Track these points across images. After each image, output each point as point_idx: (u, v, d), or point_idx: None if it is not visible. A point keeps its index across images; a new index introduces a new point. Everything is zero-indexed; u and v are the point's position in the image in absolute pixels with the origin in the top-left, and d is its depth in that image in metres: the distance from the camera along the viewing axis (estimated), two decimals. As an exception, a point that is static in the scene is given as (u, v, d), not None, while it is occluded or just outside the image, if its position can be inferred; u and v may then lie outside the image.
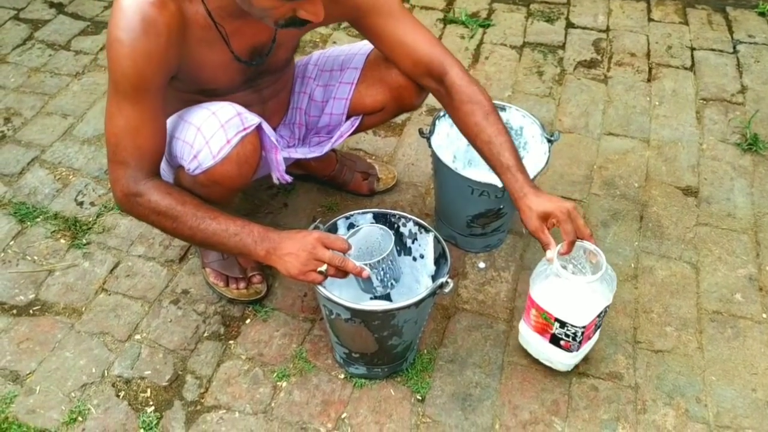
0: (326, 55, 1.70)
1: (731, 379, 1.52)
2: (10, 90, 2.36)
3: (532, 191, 1.40)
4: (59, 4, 2.81)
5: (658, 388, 1.51)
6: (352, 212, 1.51)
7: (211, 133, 1.34)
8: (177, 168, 1.46)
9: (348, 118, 1.66)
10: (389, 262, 1.38)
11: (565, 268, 1.38)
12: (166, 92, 1.33)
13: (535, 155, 1.71)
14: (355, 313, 1.34)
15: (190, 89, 1.42)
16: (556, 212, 1.36)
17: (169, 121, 1.42)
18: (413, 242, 1.52)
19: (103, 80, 2.39)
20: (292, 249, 1.29)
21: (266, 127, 1.40)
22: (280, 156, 1.43)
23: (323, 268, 1.29)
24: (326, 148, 1.62)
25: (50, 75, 2.42)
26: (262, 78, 1.53)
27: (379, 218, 1.52)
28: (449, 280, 1.33)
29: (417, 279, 1.54)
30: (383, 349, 1.44)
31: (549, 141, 1.67)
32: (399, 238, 1.52)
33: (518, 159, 1.43)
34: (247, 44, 1.41)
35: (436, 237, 1.46)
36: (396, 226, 1.52)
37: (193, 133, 1.36)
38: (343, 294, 1.44)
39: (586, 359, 1.55)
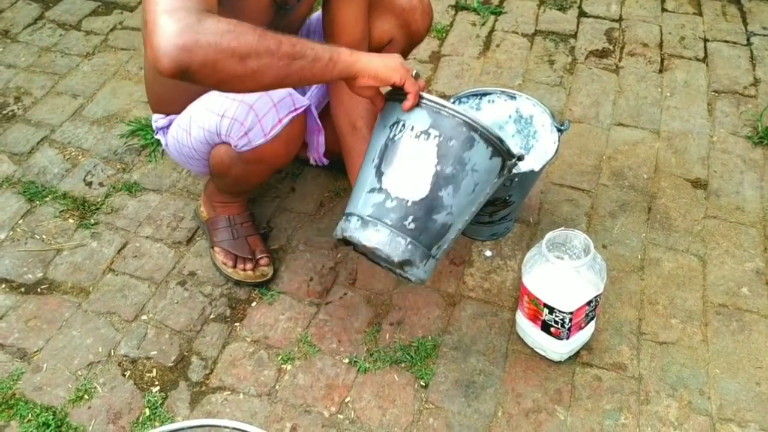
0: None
1: (735, 372, 1.52)
2: (21, 69, 2.36)
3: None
4: (70, -17, 2.80)
5: (662, 380, 1.51)
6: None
7: (263, 111, 1.37)
8: (216, 146, 1.49)
9: None
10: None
11: (561, 258, 1.40)
12: None
13: (544, 144, 1.70)
14: (438, 120, 1.25)
15: None
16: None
17: (214, 99, 1.45)
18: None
19: (114, 61, 2.39)
20: (380, 57, 1.26)
21: (313, 109, 1.46)
22: (322, 138, 1.50)
23: (415, 72, 1.27)
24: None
25: (61, 55, 2.42)
26: None
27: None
28: (521, 156, 1.30)
29: None
30: (429, 201, 1.27)
31: (559, 130, 1.66)
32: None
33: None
34: None
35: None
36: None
37: (245, 111, 1.38)
38: None
39: (589, 349, 1.55)
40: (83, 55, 2.43)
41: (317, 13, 1.72)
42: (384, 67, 1.24)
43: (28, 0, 2.71)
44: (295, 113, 1.40)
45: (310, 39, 1.69)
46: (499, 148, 1.29)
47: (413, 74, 1.27)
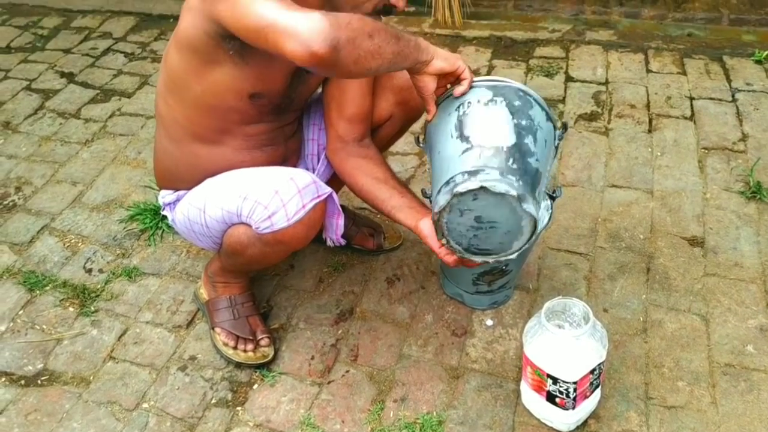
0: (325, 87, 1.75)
1: (748, 435, 1.49)
2: (22, 159, 2.41)
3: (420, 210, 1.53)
4: (70, 73, 2.89)
5: (673, 446, 1.48)
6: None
7: (288, 197, 1.42)
8: (234, 225, 1.52)
9: None
10: None
11: (561, 327, 1.39)
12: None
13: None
14: (498, 90, 1.39)
15: (243, 87, 1.45)
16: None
17: (237, 180, 1.50)
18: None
19: (112, 147, 2.44)
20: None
21: (335, 195, 1.52)
22: (341, 221, 1.57)
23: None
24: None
25: (60, 143, 2.48)
26: (289, 112, 1.62)
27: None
28: (565, 123, 1.47)
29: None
30: (519, 146, 1.33)
31: (551, 197, 1.68)
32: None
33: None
34: None
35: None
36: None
37: (269, 195, 1.42)
38: None
39: (597, 417, 1.53)
40: (82, 143, 2.48)
41: (319, 89, 1.77)
42: (450, 55, 1.37)
43: (29, 91, 2.78)
44: (318, 199, 1.45)
45: (311, 120, 1.75)
46: (549, 114, 1.43)
47: None
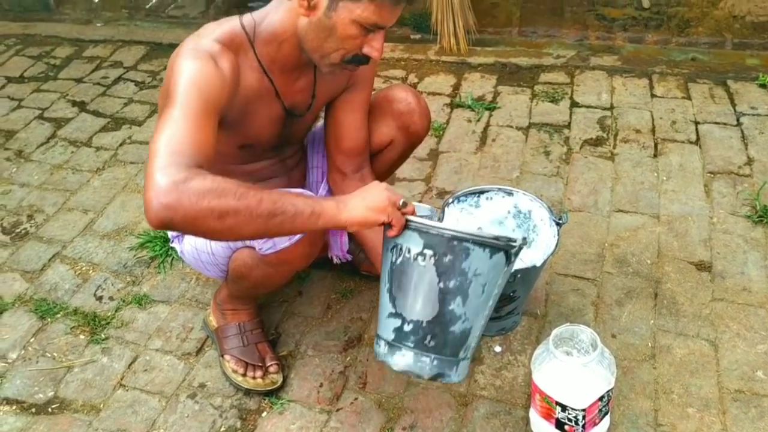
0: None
1: (759, 462, 1.49)
2: (34, 187, 2.44)
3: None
4: (81, 102, 2.93)
5: (684, 474, 1.47)
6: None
7: None
8: (238, 250, 1.53)
9: None
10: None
11: (569, 354, 1.40)
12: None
13: (545, 238, 1.73)
14: (429, 240, 1.28)
15: (229, 143, 1.48)
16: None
17: None
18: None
19: (123, 174, 2.47)
20: (363, 194, 1.29)
21: None
22: (345, 237, 1.56)
23: (402, 201, 1.29)
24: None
25: (72, 171, 2.51)
26: (289, 146, 1.63)
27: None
28: (524, 238, 1.34)
29: None
30: (441, 317, 1.30)
31: (557, 224, 1.69)
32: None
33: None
34: (293, 98, 1.52)
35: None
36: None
37: None
38: None
39: (607, 445, 1.52)
40: (94, 171, 2.51)
41: (321, 123, 1.80)
42: (369, 210, 1.26)
43: (41, 120, 2.83)
44: None
45: (315, 148, 1.77)
46: (496, 246, 1.30)
47: (400, 203, 1.29)
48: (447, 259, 1.28)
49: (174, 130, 1.20)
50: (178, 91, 1.26)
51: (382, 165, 1.78)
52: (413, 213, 1.32)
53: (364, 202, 1.27)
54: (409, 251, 1.30)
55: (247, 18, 1.42)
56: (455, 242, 1.27)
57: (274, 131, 1.55)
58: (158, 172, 1.14)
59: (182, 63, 1.30)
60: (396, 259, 1.33)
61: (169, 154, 1.16)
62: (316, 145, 1.80)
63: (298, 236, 1.43)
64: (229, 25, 1.40)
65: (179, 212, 1.12)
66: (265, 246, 1.45)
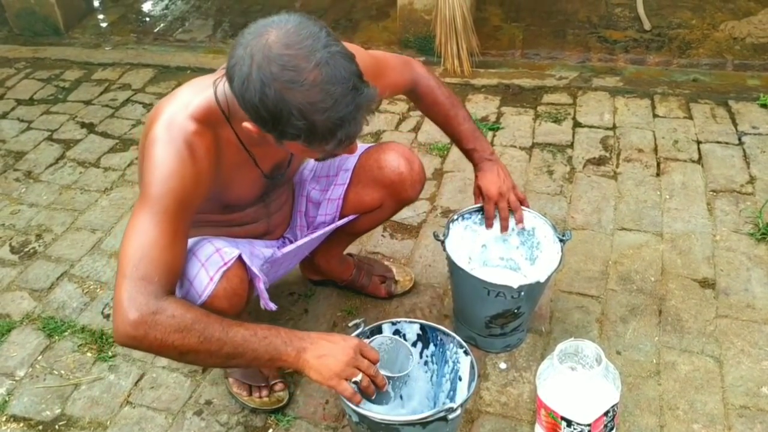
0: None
1: (765, 479, 1.48)
2: (42, 207, 2.47)
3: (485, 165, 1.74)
4: (90, 124, 2.97)
5: (690, 490, 1.47)
6: (399, 319, 1.57)
7: (193, 273, 1.36)
8: None
9: (346, 216, 1.74)
10: (405, 380, 1.42)
11: (574, 369, 1.40)
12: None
13: (548, 254, 1.74)
14: (363, 419, 1.35)
15: (212, 208, 1.49)
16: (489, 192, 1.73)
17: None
18: (454, 364, 1.52)
19: (131, 194, 2.50)
20: (330, 351, 1.28)
21: (246, 258, 1.40)
22: (261, 285, 1.43)
23: (358, 377, 1.29)
24: (317, 234, 1.68)
25: (80, 192, 2.54)
26: (274, 191, 1.62)
27: (426, 331, 1.55)
28: (458, 408, 1.32)
29: (453, 399, 1.52)
30: None
31: (561, 241, 1.71)
32: (442, 353, 1.55)
33: (476, 138, 1.75)
34: (271, 162, 1.52)
35: (472, 363, 1.46)
36: (440, 341, 1.54)
37: (186, 273, 1.37)
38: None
39: (613, 461, 1.52)
40: (101, 191, 2.54)
41: (309, 164, 1.80)
42: (329, 371, 1.27)
43: (50, 141, 2.87)
44: (224, 268, 1.36)
45: (307, 187, 1.76)
46: (432, 421, 1.33)
47: (358, 378, 1.30)
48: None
49: (145, 245, 1.24)
50: (152, 192, 1.26)
51: (370, 222, 1.80)
52: (380, 380, 1.33)
53: (324, 360, 1.28)
54: (350, 417, 1.39)
55: (221, 91, 1.32)
56: (387, 425, 1.35)
57: (255, 193, 1.55)
58: (127, 300, 1.21)
59: (157, 151, 1.28)
60: (348, 414, 1.41)
61: (139, 279, 1.21)
62: (302, 189, 1.78)
63: (208, 293, 1.35)
64: (205, 99, 1.33)
65: (144, 344, 1.22)
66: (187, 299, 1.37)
